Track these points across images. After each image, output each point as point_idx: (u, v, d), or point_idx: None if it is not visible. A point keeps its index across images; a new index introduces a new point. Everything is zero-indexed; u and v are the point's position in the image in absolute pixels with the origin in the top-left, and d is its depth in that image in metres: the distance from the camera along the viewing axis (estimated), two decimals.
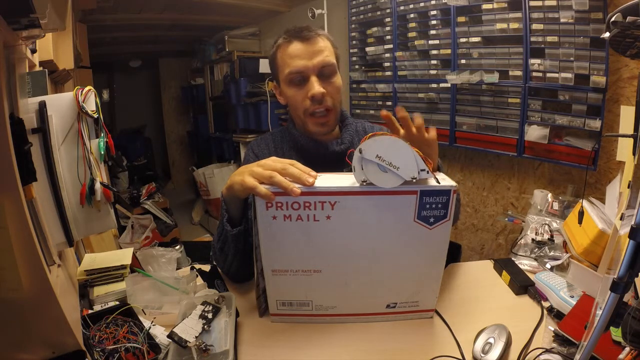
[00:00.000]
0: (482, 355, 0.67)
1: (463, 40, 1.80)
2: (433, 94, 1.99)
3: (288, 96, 0.97)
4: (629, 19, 0.60)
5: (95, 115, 0.73)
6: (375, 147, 0.64)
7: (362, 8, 2.27)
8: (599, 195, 1.34)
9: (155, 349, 0.69)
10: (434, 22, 1.92)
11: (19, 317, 0.56)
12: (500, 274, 0.97)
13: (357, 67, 2.37)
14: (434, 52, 1.94)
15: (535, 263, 1.02)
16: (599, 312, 0.49)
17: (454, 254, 1.15)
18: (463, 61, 1.82)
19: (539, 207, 1.38)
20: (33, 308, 0.56)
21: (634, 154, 0.76)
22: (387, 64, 2.18)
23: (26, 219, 0.53)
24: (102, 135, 0.75)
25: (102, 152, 0.75)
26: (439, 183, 0.67)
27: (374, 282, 0.76)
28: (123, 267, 0.90)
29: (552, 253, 1.04)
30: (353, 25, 2.36)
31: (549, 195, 1.39)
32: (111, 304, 0.83)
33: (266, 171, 0.67)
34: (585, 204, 1.06)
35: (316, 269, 0.74)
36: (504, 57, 1.68)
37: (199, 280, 0.90)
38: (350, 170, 0.66)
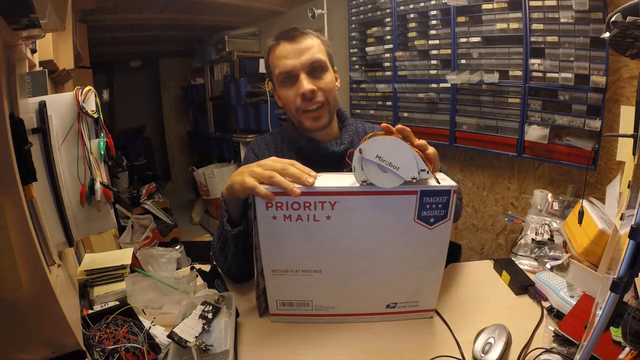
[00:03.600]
0: (482, 355, 0.67)
1: (463, 40, 1.80)
2: (433, 94, 1.98)
3: (282, 97, 0.98)
4: (629, 19, 0.60)
5: (95, 115, 0.73)
6: (375, 147, 0.64)
7: (362, 8, 2.27)
8: (599, 195, 1.34)
9: (155, 349, 0.69)
10: (434, 22, 1.92)
11: (19, 317, 0.56)
12: (500, 274, 0.97)
13: (357, 67, 2.37)
14: (434, 52, 1.94)
15: (535, 263, 1.02)
16: (599, 312, 0.49)
17: (454, 254, 1.14)
18: (463, 61, 1.82)
19: (539, 207, 1.38)
20: (33, 308, 0.56)
21: (634, 154, 0.76)
22: (387, 64, 2.18)
23: (26, 219, 0.53)
24: (102, 135, 0.75)
25: (102, 152, 0.75)
26: (439, 183, 0.67)
27: (374, 282, 0.76)
28: (123, 267, 0.90)
29: (552, 253, 1.04)
30: (353, 25, 2.36)
31: (549, 195, 1.39)
32: (111, 304, 0.83)
33: (266, 171, 0.67)
34: (585, 204, 1.05)
35: (316, 269, 0.74)
36: (504, 57, 1.68)
37: (199, 280, 0.90)
38: (350, 171, 0.66)
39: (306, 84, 0.91)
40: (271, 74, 1.00)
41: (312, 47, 0.93)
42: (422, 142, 0.69)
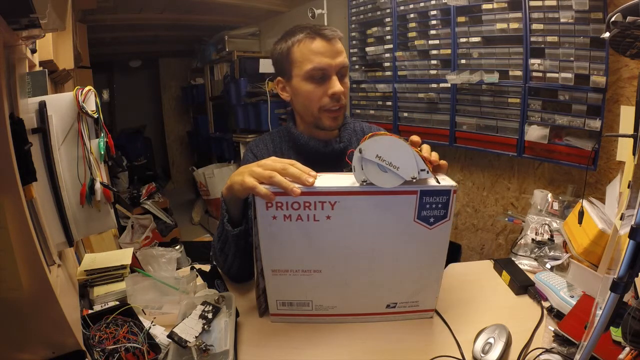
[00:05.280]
0: (482, 355, 0.67)
1: (463, 40, 1.80)
2: (433, 94, 1.98)
3: (304, 91, 0.95)
4: (629, 19, 0.60)
5: (95, 115, 0.73)
6: (375, 147, 0.64)
7: (362, 8, 2.27)
8: (599, 195, 1.34)
9: (155, 349, 0.69)
10: (434, 22, 1.91)
11: (19, 317, 0.56)
12: (500, 274, 0.97)
13: (357, 67, 2.37)
14: (434, 52, 1.94)
15: (535, 263, 1.02)
16: (599, 312, 0.49)
17: (454, 254, 1.15)
18: (463, 61, 1.82)
19: (539, 207, 1.38)
20: (33, 308, 0.56)
21: (634, 154, 0.76)
22: (387, 64, 2.18)
23: (26, 219, 0.53)
24: (102, 135, 0.75)
25: (102, 152, 0.75)
26: (439, 183, 0.67)
27: (374, 282, 0.76)
28: (123, 267, 0.90)
29: (552, 253, 1.04)
30: (353, 25, 2.36)
31: (549, 195, 1.39)
32: (111, 304, 0.83)
33: (266, 171, 0.67)
34: (585, 204, 1.05)
35: (316, 269, 0.74)
36: (504, 57, 1.68)
37: (199, 280, 0.90)
38: (350, 170, 0.66)
39: (339, 85, 0.93)
40: (291, 65, 0.96)
41: (343, 51, 0.96)
42: (435, 159, 0.71)
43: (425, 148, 0.71)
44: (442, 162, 0.72)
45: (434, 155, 0.71)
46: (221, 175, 3.51)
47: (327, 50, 0.92)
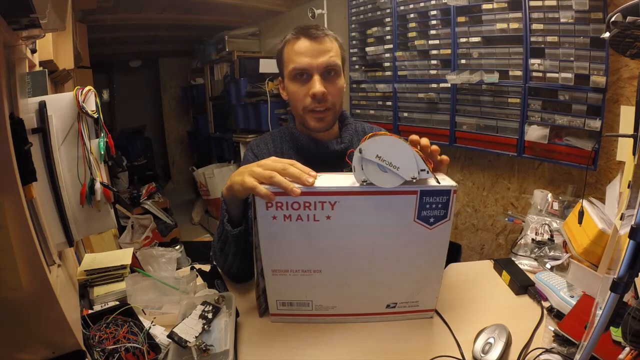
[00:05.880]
0: (482, 355, 0.67)
1: (463, 40, 1.80)
2: (433, 94, 1.98)
3: (290, 91, 0.97)
4: (629, 19, 0.60)
5: (95, 115, 0.73)
6: (375, 147, 0.64)
7: (362, 8, 2.27)
8: (599, 195, 1.34)
9: (155, 349, 0.69)
10: (434, 22, 1.92)
11: (19, 317, 0.56)
12: (500, 274, 0.97)
13: (357, 67, 2.37)
14: (434, 52, 1.94)
15: (535, 263, 1.02)
16: (599, 312, 0.49)
17: (454, 254, 1.15)
18: (463, 61, 1.82)
19: (539, 207, 1.38)
20: (33, 308, 0.56)
21: (634, 154, 0.76)
22: (387, 64, 2.18)
23: (26, 219, 0.53)
24: (102, 135, 0.75)
25: (102, 152, 0.75)
26: (439, 183, 0.67)
27: (374, 282, 0.76)
28: (123, 267, 0.90)
29: (552, 253, 1.04)
30: (353, 25, 2.36)
31: (549, 195, 1.38)
32: (111, 304, 0.83)
33: (266, 171, 0.67)
34: (585, 204, 1.05)
35: (316, 269, 0.74)
36: (504, 57, 1.68)
37: (199, 280, 0.90)
38: (350, 170, 0.66)
39: (319, 86, 0.92)
40: (282, 66, 0.99)
41: (332, 50, 0.93)
42: (435, 148, 0.70)
43: (424, 140, 0.71)
44: (444, 156, 0.71)
45: (434, 147, 0.71)
46: (221, 175, 3.51)
47: (309, 50, 0.92)
